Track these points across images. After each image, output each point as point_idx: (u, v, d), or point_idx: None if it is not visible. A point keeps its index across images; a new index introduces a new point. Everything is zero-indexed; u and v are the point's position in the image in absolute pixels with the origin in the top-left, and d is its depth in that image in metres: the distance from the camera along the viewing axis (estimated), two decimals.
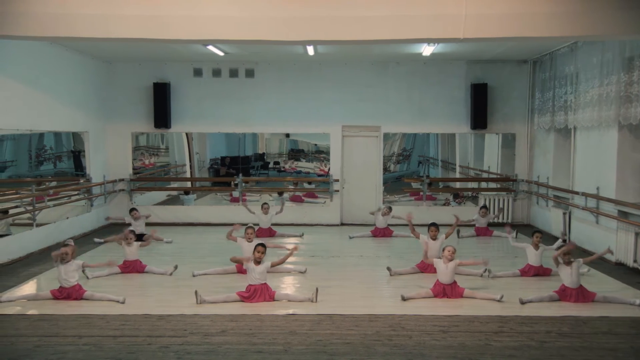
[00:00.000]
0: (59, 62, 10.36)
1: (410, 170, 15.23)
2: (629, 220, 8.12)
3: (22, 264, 8.59)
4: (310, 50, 10.48)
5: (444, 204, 13.11)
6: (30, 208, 9.17)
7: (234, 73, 12.29)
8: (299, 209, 12.91)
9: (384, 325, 5.82)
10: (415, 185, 13.26)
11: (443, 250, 6.98)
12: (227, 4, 6.78)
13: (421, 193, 12.63)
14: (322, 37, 7.06)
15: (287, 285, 7.47)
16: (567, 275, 6.61)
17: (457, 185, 14.43)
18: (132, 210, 10.44)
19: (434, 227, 8.16)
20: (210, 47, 10.25)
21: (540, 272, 7.78)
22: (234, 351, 5.14)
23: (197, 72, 12.32)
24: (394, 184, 10.95)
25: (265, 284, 6.67)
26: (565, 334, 5.59)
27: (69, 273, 6.66)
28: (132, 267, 8.00)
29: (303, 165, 15.67)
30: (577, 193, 9.71)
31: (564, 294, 6.61)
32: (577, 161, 9.98)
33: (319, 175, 14.57)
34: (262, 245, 6.81)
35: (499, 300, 6.59)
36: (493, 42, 9.57)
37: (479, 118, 11.91)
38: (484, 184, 13.51)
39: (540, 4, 6.59)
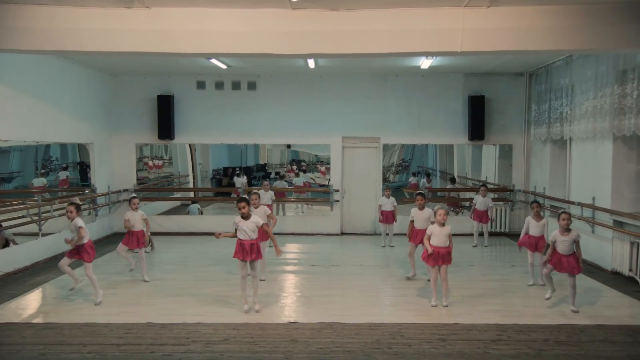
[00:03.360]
0: (66, 75, 10.53)
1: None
2: (624, 230, 8.18)
3: (28, 273, 8.66)
4: (311, 63, 10.63)
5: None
6: (36, 218, 9.27)
7: (236, 85, 12.46)
8: (301, 219, 13.02)
9: (384, 333, 5.88)
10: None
11: (435, 214, 6.93)
12: (231, 19, 6.93)
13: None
14: (323, 51, 7.21)
15: (288, 294, 7.55)
16: (561, 244, 6.59)
17: (456, 195, 14.53)
18: (132, 198, 10.34)
19: (420, 196, 8.12)
20: (214, 60, 10.40)
21: (539, 240, 7.67)
22: (235, 359, 5.19)
23: (200, 85, 12.49)
24: (393, 194, 11.07)
25: (256, 241, 6.57)
26: (562, 342, 5.64)
27: (75, 232, 6.83)
28: (134, 238, 8.05)
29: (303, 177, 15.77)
30: (573, 203, 9.79)
31: (559, 263, 6.60)
32: (573, 172, 10.08)
33: (320, 186, 14.71)
34: (244, 199, 6.60)
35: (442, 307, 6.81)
36: (490, 55, 9.66)
37: (477, 129, 12.05)
38: None
39: (536, 19, 6.74)
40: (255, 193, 8.26)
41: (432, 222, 7.62)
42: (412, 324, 6.16)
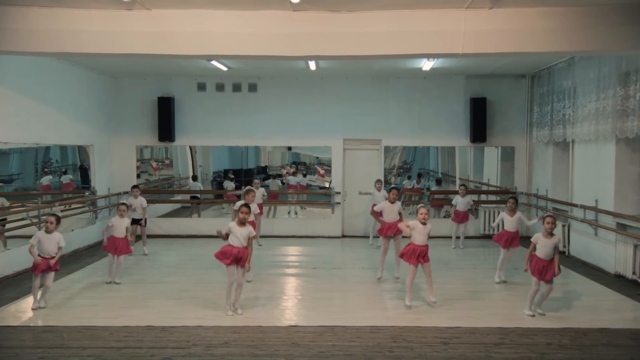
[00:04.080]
0: (66, 77, 10.50)
1: (411, 180, 15.25)
2: (627, 233, 8.14)
3: (27, 276, 8.52)
4: (312, 65, 10.60)
5: (445, 217, 13.18)
6: (36, 220, 9.22)
7: (237, 87, 12.44)
8: (301, 221, 12.98)
9: (386, 336, 5.84)
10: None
11: (417, 212, 6.97)
12: (231, 21, 6.91)
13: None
14: (324, 52, 7.18)
15: (289, 297, 7.51)
16: (542, 247, 6.51)
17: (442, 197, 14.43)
18: (134, 187, 10.36)
19: (395, 190, 8.27)
20: (214, 62, 10.38)
21: (514, 237, 8.08)
22: None
23: (201, 87, 12.47)
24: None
25: (245, 249, 6.55)
26: (565, 346, 5.59)
27: (51, 245, 6.79)
28: (116, 245, 8.04)
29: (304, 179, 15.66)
30: (575, 205, 9.74)
31: (538, 270, 6.53)
32: (575, 174, 10.03)
33: (321, 188, 14.65)
34: (247, 206, 6.65)
35: (433, 302, 6.90)
36: (492, 57, 9.66)
37: (479, 131, 12.01)
38: (483, 197, 13.54)
39: (538, 20, 6.70)
40: (251, 189, 8.33)
41: (400, 213, 8.09)
42: (413, 327, 6.12)
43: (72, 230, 10.61)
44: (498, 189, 12.96)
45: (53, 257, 6.79)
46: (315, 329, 6.07)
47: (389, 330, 6.03)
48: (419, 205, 7.11)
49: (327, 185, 13.77)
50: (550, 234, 6.47)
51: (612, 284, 8.09)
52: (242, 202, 7.18)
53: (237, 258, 6.49)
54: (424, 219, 6.85)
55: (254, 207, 8.10)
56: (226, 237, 6.57)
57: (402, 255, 7.03)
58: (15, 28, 6.77)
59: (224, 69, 11.14)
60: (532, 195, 11.90)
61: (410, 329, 6.06)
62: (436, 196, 13.16)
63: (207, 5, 6.75)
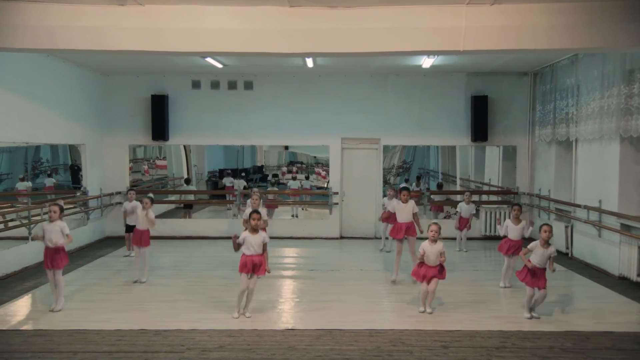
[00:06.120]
0: (57, 75, 10.34)
1: (410, 183, 15.17)
2: (631, 234, 8.02)
3: (16, 279, 8.48)
4: (310, 62, 10.47)
5: (445, 217, 13.06)
6: (25, 221, 9.06)
7: (232, 85, 12.29)
8: (298, 222, 12.83)
9: (385, 340, 5.76)
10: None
11: (428, 229, 6.70)
12: (226, 17, 6.79)
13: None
14: (321, 50, 7.08)
15: (286, 300, 7.40)
16: (538, 256, 6.38)
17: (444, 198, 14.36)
18: (129, 190, 10.29)
19: (405, 191, 8.14)
20: (209, 59, 10.23)
21: (516, 246, 7.63)
22: None
23: (196, 84, 12.31)
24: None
25: (261, 256, 6.50)
26: (568, 350, 5.51)
27: (54, 233, 6.69)
28: (140, 237, 8.10)
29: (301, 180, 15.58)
30: (579, 206, 9.61)
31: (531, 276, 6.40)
32: (579, 174, 9.91)
33: (318, 188, 14.54)
34: (257, 212, 6.57)
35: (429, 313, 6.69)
36: (493, 54, 9.57)
37: (480, 130, 11.88)
38: (484, 197, 13.41)
39: (541, 17, 6.60)
40: (256, 192, 8.29)
41: (415, 213, 8.06)
42: (413, 331, 6.05)
43: None
44: (500, 189, 12.84)
45: (58, 247, 6.69)
46: (312, 333, 5.99)
47: (388, 334, 5.95)
48: (430, 222, 6.81)
49: (324, 185, 13.65)
50: (547, 243, 6.34)
51: (616, 286, 7.99)
52: (251, 209, 7.12)
53: (254, 266, 6.44)
54: (433, 236, 6.58)
55: (264, 212, 7.91)
56: (238, 247, 6.50)
57: (413, 274, 6.83)
58: (5, 24, 6.64)
59: (219, 66, 10.99)
60: (535, 195, 11.77)
61: (409, 333, 5.99)
62: (437, 198, 13.01)
63: (201, 0, 6.62)
